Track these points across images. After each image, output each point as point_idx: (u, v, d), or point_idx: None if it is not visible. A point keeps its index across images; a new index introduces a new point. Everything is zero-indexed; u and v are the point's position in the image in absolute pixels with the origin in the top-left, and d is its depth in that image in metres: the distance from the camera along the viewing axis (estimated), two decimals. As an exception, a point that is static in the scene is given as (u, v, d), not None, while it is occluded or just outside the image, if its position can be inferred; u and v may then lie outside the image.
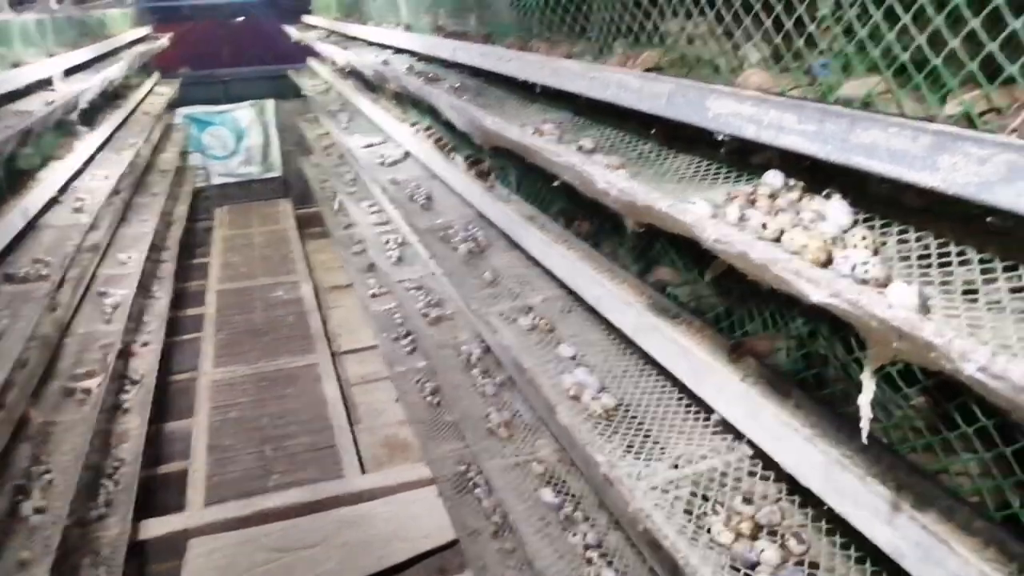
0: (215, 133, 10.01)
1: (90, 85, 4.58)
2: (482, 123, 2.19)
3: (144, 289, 5.58)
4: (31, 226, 3.64)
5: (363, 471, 4.65)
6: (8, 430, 2.68)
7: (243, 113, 10.06)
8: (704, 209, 1.25)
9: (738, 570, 1.38)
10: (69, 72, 4.87)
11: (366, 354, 6.47)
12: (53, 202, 4.08)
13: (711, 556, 1.40)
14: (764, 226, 1.21)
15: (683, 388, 1.90)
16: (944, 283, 1.09)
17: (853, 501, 1.25)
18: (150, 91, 8.39)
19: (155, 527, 4.03)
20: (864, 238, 1.13)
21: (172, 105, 9.22)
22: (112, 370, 3.66)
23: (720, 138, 1.43)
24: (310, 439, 5.07)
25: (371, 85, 6.08)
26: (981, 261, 1.10)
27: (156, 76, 9.21)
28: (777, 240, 1.20)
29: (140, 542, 3.87)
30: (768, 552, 1.39)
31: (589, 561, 2.24)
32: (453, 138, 3.98)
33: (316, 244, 9.12)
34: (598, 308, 2.10)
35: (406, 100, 4.86)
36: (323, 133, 8.62)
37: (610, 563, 2.22)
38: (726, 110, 1.40)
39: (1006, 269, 1.07)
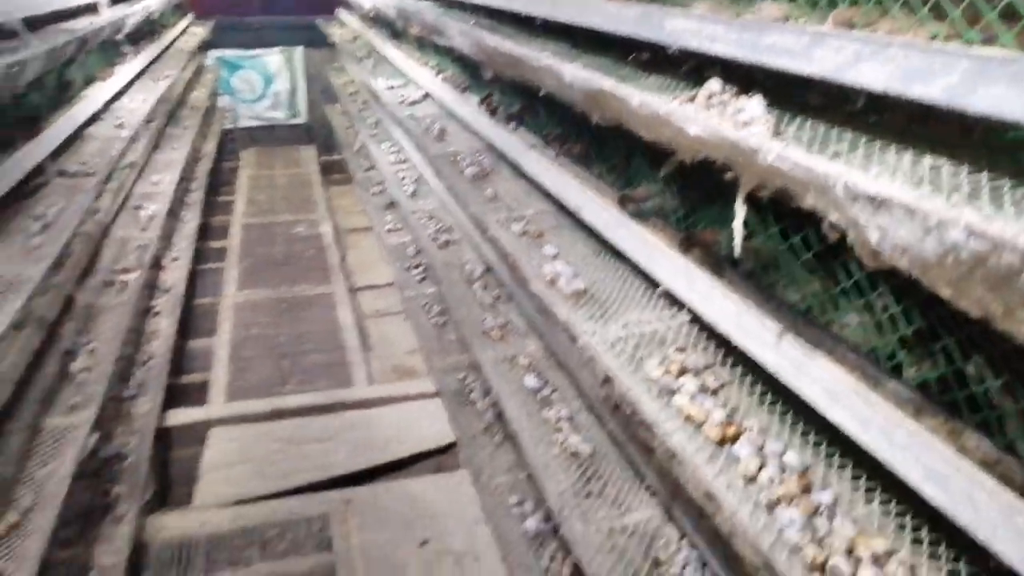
0: (245, 77, 10.35)
1: (134, 10, 4.92)
2: (485, 42, 2.51)
3: (173, 213, 5.95)
4: (77, 135, 4.00)
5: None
6: (58, 304, 3.07)
7: (272, 59, 10.38)
8: (649, 96, 1.58)
9: (663, 395, 1.73)
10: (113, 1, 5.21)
11: (381, 291, 6.85)
12: (95, 117, 4.45)
13: (644, 385, 1.75)
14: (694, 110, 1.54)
15: (641, 275, 2.25)
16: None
17: (751, 336, 1.60)
18: (184, 30, 8.72)
19: (179, 416, 4.44)
20: (765, 119, 1.46)
21: (205, 46, 9.54)
22: (146, 271, 4.04)
23: (672, 52, 1.76)
24: (324, 357, 5.46)
25: (395, 32, 6.39)
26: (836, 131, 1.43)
27: (190, 17, 9.53)
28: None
29: (165, 429, 4.28)
30: (688, 384, 1.74)
31: (559, 429, 2.61)
32: (467, 79, 4.31)
33: (337, 190, 9.48)
34: (580, 213, 2.44)
35: (427, 45, 5.18)
36: (349, 80, 8.95)
37: (576, 430, 2.59)
38: (678, 27, 1.72)
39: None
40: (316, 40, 10.40)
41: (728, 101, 1.65)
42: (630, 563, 2.10)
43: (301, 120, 10.69)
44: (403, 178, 5.45)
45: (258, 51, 10.32)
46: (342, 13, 9.28)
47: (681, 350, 1.89)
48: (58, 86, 3.93)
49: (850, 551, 1.28)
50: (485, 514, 3.85)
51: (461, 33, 2.91)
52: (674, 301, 2.08)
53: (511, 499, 3.17)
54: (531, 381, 2.90)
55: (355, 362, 5.35)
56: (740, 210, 1.26)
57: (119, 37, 4.63)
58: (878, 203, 0.91)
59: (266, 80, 10.41)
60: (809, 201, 1.17)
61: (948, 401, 1.37)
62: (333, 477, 4.16)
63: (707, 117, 1.37)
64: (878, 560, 1.26)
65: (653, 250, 1.99)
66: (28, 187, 3.12)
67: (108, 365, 3.05)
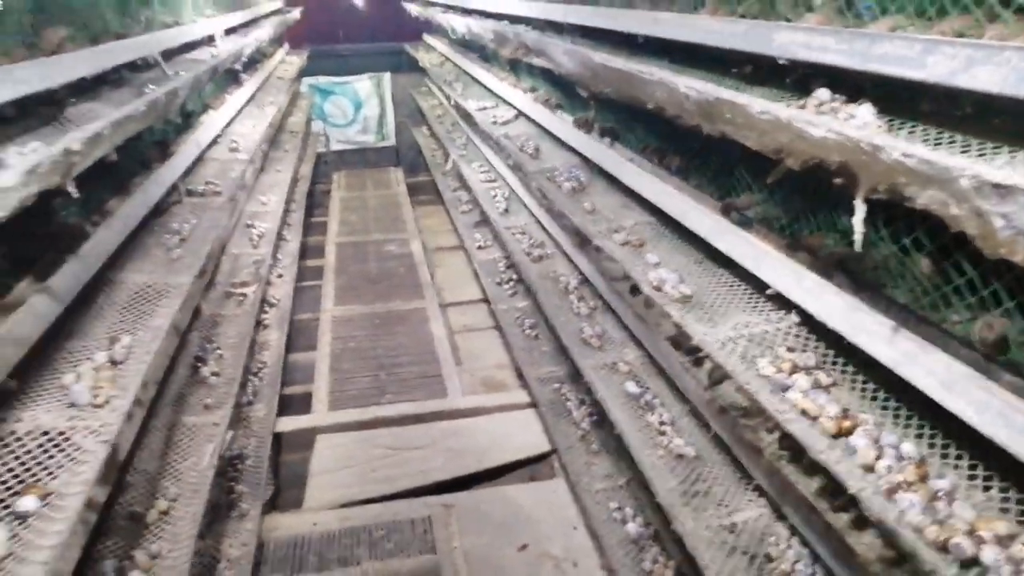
0: (336, 102, 10.80)
1: (247, 42, 5.26)
2: (592, 59, 2.64)
3: (278, 232, 6.28)
4: (200, 157, 4.31)
5: (464, 398, 5.21)
6: (189, 313, 3.32)
7: (362, 85, 10.80)
8: (765, 103, 1.68)
9: (777, 391, 1.80)
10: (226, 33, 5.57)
11: (467, 307, 7.05)
12: (214, 142, 4.77)
13: (758, 380, 1.83)
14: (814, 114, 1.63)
15: (746, 279, 2.32)
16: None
17: (864, 331, 1.66)
18: (281, 60, 9.18)
19: (288, 424, 4.69)
20: (876, 124, 1.53)
21: (300, 74, 10.01)
22: (262, 286, 4.30)
23: (782, 62, 1.85)
24: (419, 368, 5.66)
25: (485, 55, 6.60)
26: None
27: (286, 46, 10.02)
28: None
29: (276, 435, 4.53)
30: (800, 381, 1.81)
31: (663, 433, 2.69)
32: (561, 97, 4.45)
33: (423, 210, 9.78)
34: (683, 221, 2.53)
35: (519, 67, 5.36)
36: (436, 104, 9.24)
37: (679, 433, 2.67)
38: (787, 40, 1.82)
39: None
40: (401, 65, 10.79)
41: (838, 108, 1.73)
42: (741, 558, 2.16)
43: (390, 143, 11.07)
44: (495, 196, 5.63)
45: (348, 78, 10.77)
46: (428, 38, 9.61)
47: (791, 350, 1.96)
48: (182, 112, 4.24)
49: (971, 532, 1.33)
50: (583, 520, 3.94)
51: (565, 53, 3.05)
52: (781, 305, 2.14)
53: (611, 505, 3.25)
54: (632, 387, 2.99)
55: (449, 374, 5.52)
56: (860, 208, 1.34)
57: (237, 67, 4.96)
58: (1004, 192, 0.99)
59: (356, 105, 10.84)
60: (929, 195, 1.25)
61: (1068, 392, 1.40)
62: (433, 483, 4.32)
63: (828, 120, 1.46)
64: (1001, 541, 1.30)
65: (761, 254, 2.07)
66: (163, 205, 3.40)
67: (235, 370, 3.28)
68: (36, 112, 2.31)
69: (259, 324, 4.91)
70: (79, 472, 1.64)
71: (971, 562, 1.29)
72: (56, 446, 1.78)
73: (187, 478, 2.66)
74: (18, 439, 1.78)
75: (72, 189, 1.77)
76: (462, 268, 7.88)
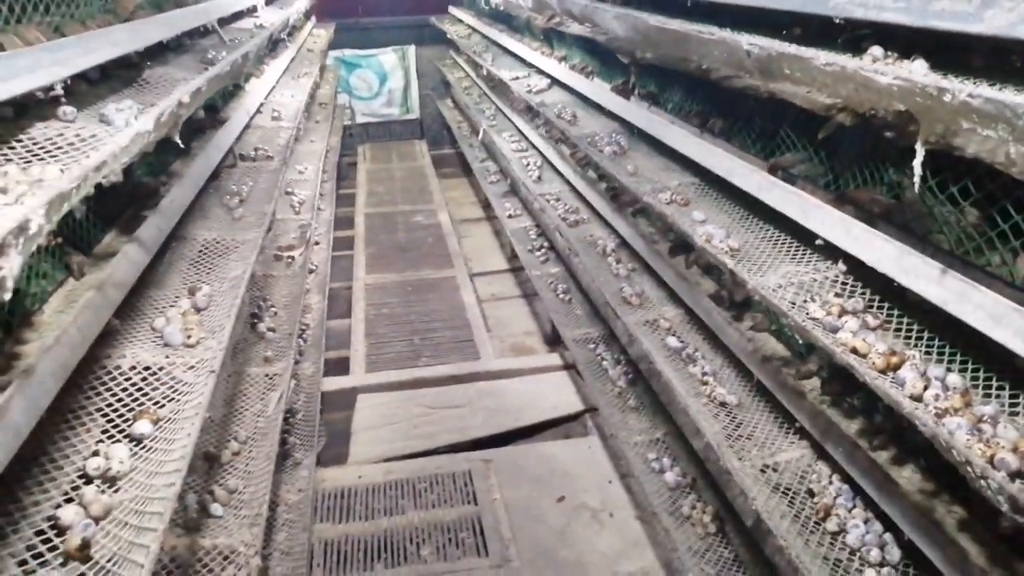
0: (362, 75, 10.89)
1: (289, 12, 5.37)
2: (647, 22, 2.74)
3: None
4: (248, 124, 4.44)
5: (497, 362, 5.36)
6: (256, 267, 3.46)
7: (387, 58, 10.88)
8: (831, 55, 1.78)
9: (826, 331, 1.92)
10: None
11: (494, 276, 7.20)
12: (258, 110, 4.90)
13: (808, 323, 1.96)
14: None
15: (792, 233, 2.44)
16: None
17: (913, 274, 1.78)
18: (310, 32, 9.27)
19: (330, 384, 4.86)
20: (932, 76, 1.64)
21: (328, 46, 10.10)
22: (308, 249, 4.44)
23: (837, 22, 1.95)
24: (451, 334, 5.81)
25: (515, 27, 6.68)
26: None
27: (313, 20, 10.10)
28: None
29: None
30: (850, 322, 1.94)
31: (705, 383, 2.82)
32: (596, 65, 4.55)
33: (448, 183, 9.90)
34: (730, 178, 2.64)
35: (552, 36, 5.44)
36: (462, 76, 9.32)
37: (720, 383, 2.80)
38: (842, 0, 1.92)
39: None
40: (424, 38, 10.84)
41: (892, 63, 1.83)
42: (784, 494, 2.30)
43: (414, 115, 11.17)
44: (527, 164, 5.74)
45: (373, 50, 10.84)
46: (455, 10, 9.66)
47: (839, 295, 2.07)
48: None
49: (1015, 449, 1.45)
50: (617, 474, 4.09)
51: (616, 17, 3.15)
52: (827, 255, 2.26)
53: (648, 456, 3.39)
54: (673, 342, 3.12)
55: (481, 340, 5.67)
56: (920, 151, 1.45)
57: (283, 35, 5.08)
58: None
59: (381, 78, 10.93)
60: (986, 137, 1.36)
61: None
62: (471, 440, 4.48)
63: (895, 68, 1.57)
64: (1043, 458, 1.43)
65: (810, 206, 2.18)
66: (219, 169, 3.54)
67: (290, 326, 3.43)
68: (117, 75, 2.45)
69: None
70: (191, 399, 1.78)
71: (1016, 475, 1.41)
72: (158, 380, 1.93)
73: (255, 423, 2.82)
74: (123, 373, 1.93)
75: (178, 139, 1.90)
76: (488, 239, 8.02)
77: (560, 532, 3.72)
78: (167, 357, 2.02)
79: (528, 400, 4.78)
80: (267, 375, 3.11)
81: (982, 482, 1.36)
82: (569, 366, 5.10)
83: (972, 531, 1.82)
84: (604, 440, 4.37)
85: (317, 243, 5.90)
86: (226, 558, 2.20)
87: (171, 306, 2.31)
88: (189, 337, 2.10)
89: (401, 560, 3.60)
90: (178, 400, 1.84)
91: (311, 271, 5.37)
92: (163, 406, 1.83)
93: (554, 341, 5.56)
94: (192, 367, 1.97)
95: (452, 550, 3.66)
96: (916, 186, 1.49)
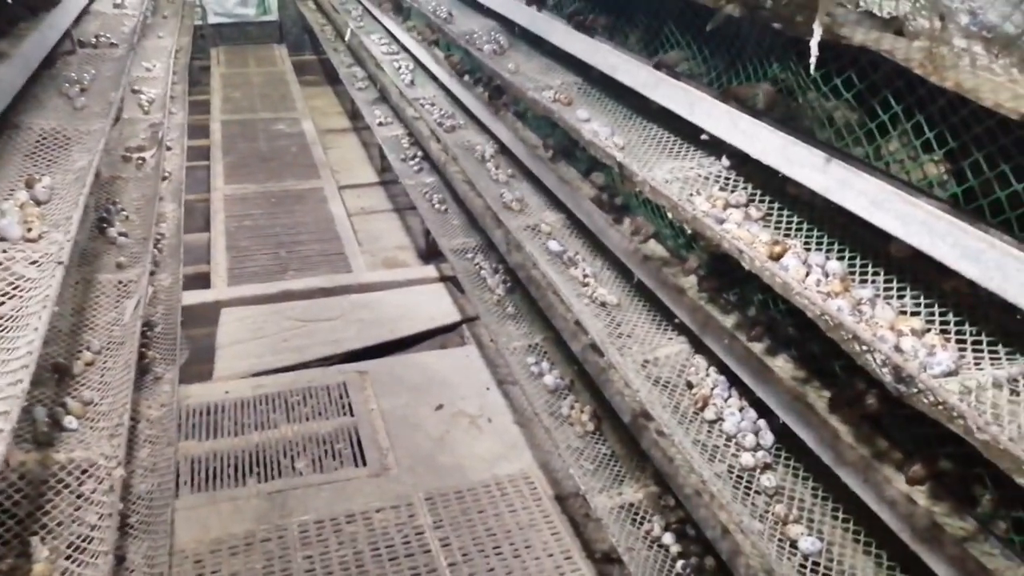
0: (213, -29, 10.04)
1: None
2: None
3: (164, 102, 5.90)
4: (85, 10, 3.98)
5: (369, 276, 5.22)
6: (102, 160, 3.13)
7: (241, -48, 10.07)
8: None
9: (715, 222, 1.94)
10: None
11: (363, 189, 6.95)
12: (94, -3, 4.40)
13: (693, 213, 1.96)
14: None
15: (677, 131, 2.43)
16: None
17: (798, 163, 1.81)
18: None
19: (190, 298, 4.58)
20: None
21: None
22: (159, 152, 4.08)
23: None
24: (320, 247, 5.59)
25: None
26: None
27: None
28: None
29: (179, 308, 4.42)
30: (734, 214, 1.96)
31: (586, 284, 2.83)
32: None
33: (311, 91, 9.39)
34: (614, 75, 2.59)
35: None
36: (325, -25, 8.76)
37: (601, 284, 2.82)
38: None
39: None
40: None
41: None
42: (664, 387, 2.36)
43: (272, 17, 10.46)
44: (399, 68, 5.49)
45: (226, -55, 10.00)
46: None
47: (723, 189, 2.10)
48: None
49: (891, 327, 1.52)
50: (495, 382, 4.12)
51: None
52: (711, 152, 2.27)
53: (527, 360, 3.41)
54: (554, 245, 3.11)
55: (353, 253, 5.50)
56: (817, 30, 1.44)
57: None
58: None
59: (235, -25, 10.12)
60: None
61: (978, 207, 1.60)
62: (345, 352, 4.36)
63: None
64: (915, 333, 1.50)
65: (696, 100, 2.18)
66: (54, 55, 3.15)
67: (144, 231, 3.16)
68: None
69: (153, 196, 4.67)
70: (36, 294, 1.58)
71: (895, 349, 1.48)
72: (-6, 276, 1.70)
73: (110, 333, 2.59)
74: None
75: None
76: (356, 151, 7.72)
77: (439, 439, 3.72)
78: (5, 252, 1.78)
79: (404, 312, 4.70)
80: (120, 282, 2.85)
81: (868, 356, 1.41)
82: (445, 278, 5.03)
83: (840, 413, 1.92)
84: (482, 349, 4.37)
85: (170, 148, 5.45)
86: (84, 471, 2.02)
87: (5, 199, 2.04)
88: (30, 231, 1.86)
89: (275, 474, 3.50)
90: (21, 297, 1.63)
91: (164, 178, 4.97)
92: (2, 303, 1.62)
93: (428, 256, 5.46)
94: (35, 261, 1.75)
95: (329, 462, 3.58)
96: (812, 66, 1.48)
